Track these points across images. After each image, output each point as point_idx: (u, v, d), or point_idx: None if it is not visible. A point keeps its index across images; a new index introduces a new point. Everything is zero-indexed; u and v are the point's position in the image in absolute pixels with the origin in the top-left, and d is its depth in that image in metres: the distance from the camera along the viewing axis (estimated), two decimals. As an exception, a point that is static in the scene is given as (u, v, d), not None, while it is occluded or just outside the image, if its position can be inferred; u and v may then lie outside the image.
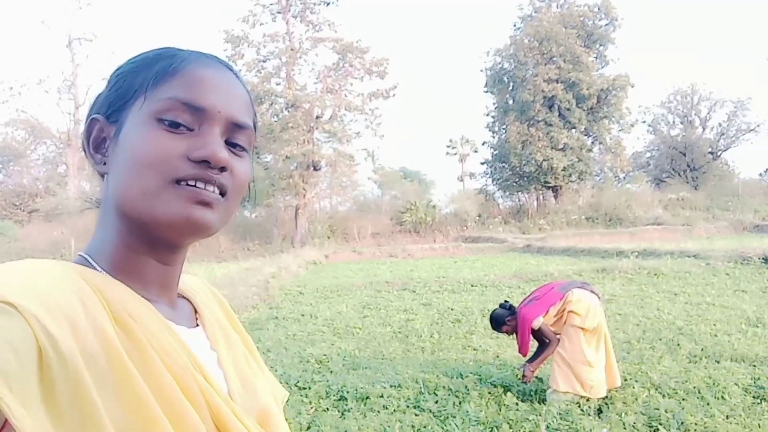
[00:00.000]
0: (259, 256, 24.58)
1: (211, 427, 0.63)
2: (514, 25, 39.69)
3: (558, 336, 4.76)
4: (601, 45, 38.02)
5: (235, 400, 0.70)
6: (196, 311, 0.79)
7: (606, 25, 37.73)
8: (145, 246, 0.68)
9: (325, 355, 6.71)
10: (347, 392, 5.12)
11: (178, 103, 0.65)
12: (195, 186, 0.65)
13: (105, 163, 0.69)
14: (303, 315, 9.69)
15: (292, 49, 32.21)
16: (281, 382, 4.26)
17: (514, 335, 4.92)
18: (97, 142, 0.70)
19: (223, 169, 0.66)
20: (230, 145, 0.69)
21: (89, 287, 0.60)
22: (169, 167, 0.64)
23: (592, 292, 4.81)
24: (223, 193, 0.67)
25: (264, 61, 32.65)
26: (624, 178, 43.28)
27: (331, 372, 5.95)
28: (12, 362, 0.49)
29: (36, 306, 0.53)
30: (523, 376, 4.97)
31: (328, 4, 32.46)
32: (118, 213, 0.67)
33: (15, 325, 0.51)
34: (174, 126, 0.65)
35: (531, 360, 4.95)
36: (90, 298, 0.59)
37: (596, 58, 37.77)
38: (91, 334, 0.56)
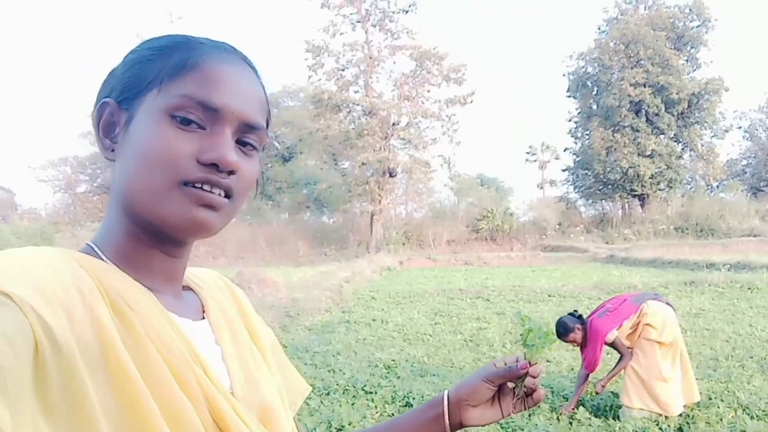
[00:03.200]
0: (334, 261, 24.96)
1: (208, 420, 0.62)
2: (599, 28, 38.44)
3: (630, 350, 4.52)
4: (692, 47, 36.14)
5: (236, 395, 0.69)
6: (203, 305, 0.78)
7: (698, 26, 35.83)
8: (150, 238, 0.68)
9: (393, 360, 6.69)
10: (413, 398, 5.08)
11: (191, 101, 0.64)
12: (201, 188, 0.65)
13: (113, 150, 0.69)
14: (374, 320, 9.73)
15: (370, 57, 32.63)
16: (348, 386, 4.24)
17: (578, 346, 4.71)
18: (107, 126, 0.70)
19: (231, 172, 0.66)
20: (240, 143, 0.69)
21: (88, 276, 0.60)
22: (177, 168, 0.63)
23: (668, 304, 4.55)
24: (228, 196, 0.67)
25: (343, 70, 33.25)
26: (717, 186, 40.84)
27: (399, 378, 5.92)
28: (8, 355, 0.48)
29: (32, 295, 0.53)
30: (596, 393, 4.76)
31: (407, 11, 32.68)
32: (124, 204, 0.67)
33: (10, 315, 0.51)
34: (186, 123, 0.64)
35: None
36: (88, 286, 0.59)
37: (687, 60, 35.95)
38: (87, 323, 0.56)
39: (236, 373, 0.72)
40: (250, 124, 0.68)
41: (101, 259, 0.66)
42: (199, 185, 0.64)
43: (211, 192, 0.65)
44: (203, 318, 0.75)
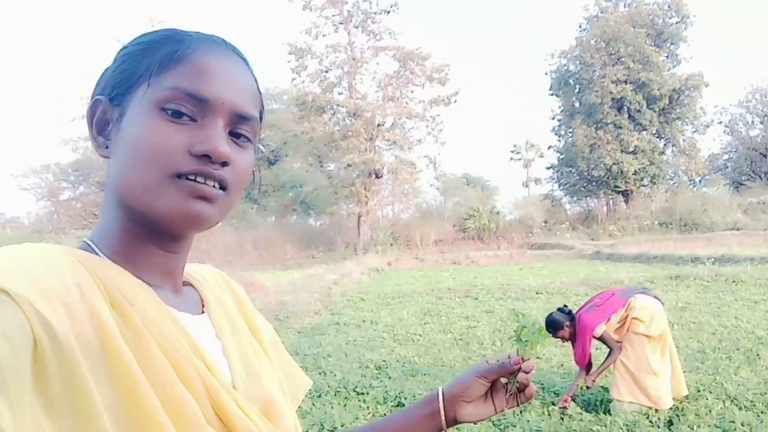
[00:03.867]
0: (322, 263, 24.92)
1: (211, 414, 0.62)
2: (580, 26, 38.77)
3: (619, 344, 4.55)
4: (672, 44, 36.58)
5: (238, 388, 0.69)
6: (202, 299, 0.78)
7: (677, 22, 36.26)
8: (146, 234, 0.68)
9: (384, 361, 6.69)
10: (405, 398, 5.08)
11: (181, 93, 0.64)
12: (195, 180, 0.64)
13: (107, 147, 0.69)
14: (364, 321, 9.72)
15: (353, 59, 32.64)
16: (340, 387, 4.24)
17: (569, 342, 4.74)
18: (101, 124, 0.70)
19: (224, 163, 0.66)
20: (234, 135, 0.69)
21: (86, 271, 0.60)
22: (169, 161, 0.63)
23: (655, 297, 4.59)
24: (223, 188, 0.67)
25: (326, 72, 33.19)
26: (700, 181, 41.37)
27: (390, 378, 5.92)
28: (7, 352, 0.48)
29: (31, 291, 0.52)
30: (586, 388, 4.79)
31: (389, 12, 32.74)
32: (119, 201, 0.67)
33: (8, 312, 0.50)
34: (177, 116, 0.64)
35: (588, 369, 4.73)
36: (87, 282, 0.59)
37: (667, 57, 36.37)
38: (87, 318, 0.56)
39: (237, 366, 0.72)
40: (242, 115, 0.68)
41: (99, 255, 0.66)
42: (193, 177, 0.64)
43: (204, 184, 0.65)
44: (203, 312, 0.75)
